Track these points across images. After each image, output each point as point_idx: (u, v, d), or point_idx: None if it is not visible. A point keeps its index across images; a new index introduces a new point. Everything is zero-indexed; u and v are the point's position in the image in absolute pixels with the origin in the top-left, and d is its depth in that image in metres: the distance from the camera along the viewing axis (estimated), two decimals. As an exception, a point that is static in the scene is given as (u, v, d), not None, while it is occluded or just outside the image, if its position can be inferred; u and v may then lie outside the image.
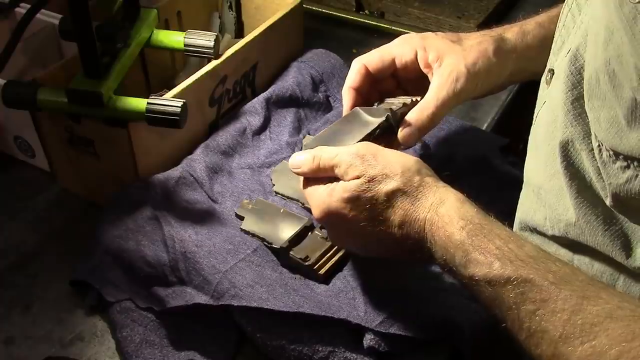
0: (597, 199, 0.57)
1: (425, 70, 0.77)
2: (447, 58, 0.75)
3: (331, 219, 0.66)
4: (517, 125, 1.04)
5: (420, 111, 0.73)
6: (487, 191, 0.87)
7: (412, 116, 0.73)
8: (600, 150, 0.53)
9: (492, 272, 0.55)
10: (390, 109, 0.73)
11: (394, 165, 0.63)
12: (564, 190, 0.59)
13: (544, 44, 0.76)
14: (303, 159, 0.67)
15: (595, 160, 0.55)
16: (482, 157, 0.91)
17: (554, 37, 0.65)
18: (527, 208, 0.68)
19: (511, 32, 0.79)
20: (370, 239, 0.65)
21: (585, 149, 0.56)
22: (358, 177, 0.63)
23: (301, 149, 0.73)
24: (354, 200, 0.63)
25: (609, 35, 0.49)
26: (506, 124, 1.02)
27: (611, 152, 0.52)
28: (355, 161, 0.64)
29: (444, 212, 0.60)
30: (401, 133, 0.73)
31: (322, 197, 0.65)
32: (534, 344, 0.53)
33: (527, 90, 0.81)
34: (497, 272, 0.55)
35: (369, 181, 0.63)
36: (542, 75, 0.69)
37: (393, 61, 0.77)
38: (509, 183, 0.88)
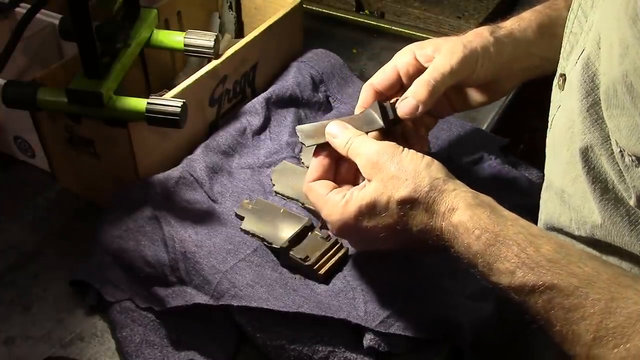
0: (620, 200, 0.57)
1: (427, 65, 0.76)
2: (444, 44, 0.76)
3: (350, 233, 0.67)
4: (517, 125, 1.04)
5: (417, 83, 0.73)
6: (487, 192, 0.87)
7: (410, 90, 0.73)
8: (622, 156, 0.53)
9: (515, 281, 0.55)
10: (377, 101, 0.74)
11: (406, 168, 0.63)
12: (588, 194, 0.59)
13: (541, 28, 0.78)
14: (339, 138, 0.69)
15: (617, 163, 0.55)
16: (482, 157, 0.91)
17: (550, 22, 0.65)
18: (552, 211, 0.68)
19: (506, 20, 0.81)
20: (393, 243, 0.66)
21: (605, 153, 0.56)
22: (370, 180, 0.64)
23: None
24: (371, 209, 0.64)
25: (624, 50, 0.49)
26: (506, 124, 1.02)
27: (633, 157, 0.52)
28: (372, 158, 0.65)
29: (457, 222, 0.60)
30: (399, 104, 0.73)
31: (337, 210, 0.66)
32: (568, 346, 0.53)
33: (527, 91, 0.81)
34: (520, 281, 0.55)
35: (382, 183, 0.63)
36: (541, 69, 0.68)
37: (396, 72, 0.77)
38: (509, 183, 0.88)
